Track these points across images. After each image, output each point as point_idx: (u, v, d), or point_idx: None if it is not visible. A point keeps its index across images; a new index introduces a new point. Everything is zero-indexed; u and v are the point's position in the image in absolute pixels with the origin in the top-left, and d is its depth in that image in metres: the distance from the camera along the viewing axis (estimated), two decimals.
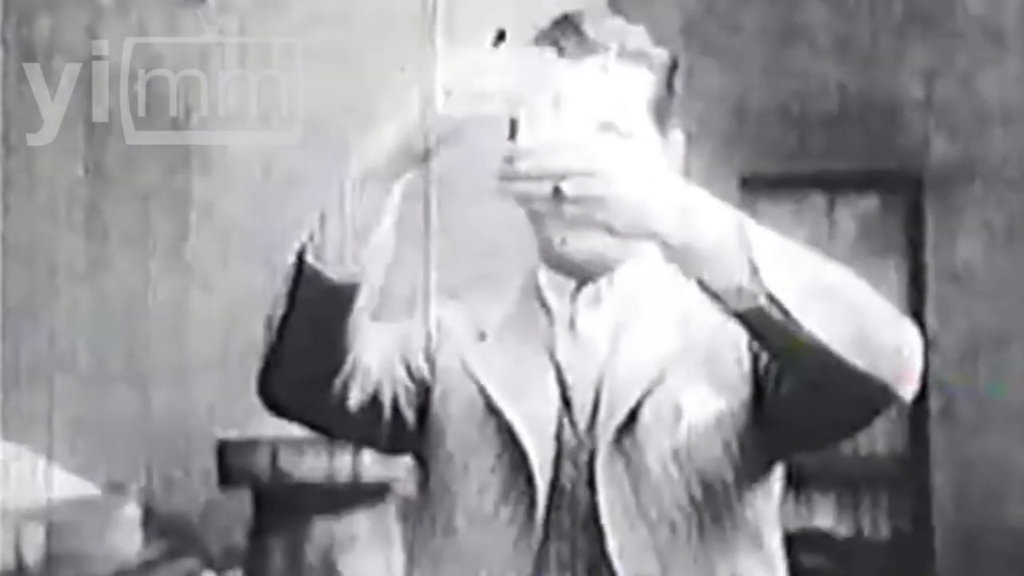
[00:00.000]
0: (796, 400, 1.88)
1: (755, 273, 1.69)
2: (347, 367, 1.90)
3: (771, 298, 1.69)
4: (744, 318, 1.72)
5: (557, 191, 1.68)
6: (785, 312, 1.69)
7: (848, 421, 1.89)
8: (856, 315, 1.74)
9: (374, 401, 1.97)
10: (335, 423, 2.00)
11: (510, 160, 1.72)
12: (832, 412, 1.86)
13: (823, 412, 1.87)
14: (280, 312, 1.84)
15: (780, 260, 1.71)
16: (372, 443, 2.07)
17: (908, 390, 1.78)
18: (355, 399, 1.95)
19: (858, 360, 1.72)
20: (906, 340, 1.77)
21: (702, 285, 1.72)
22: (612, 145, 1.73)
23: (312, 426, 2.03)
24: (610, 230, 1.72)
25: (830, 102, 7.41)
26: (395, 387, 2.00)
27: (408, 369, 2.02)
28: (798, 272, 1.72)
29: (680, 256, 1.71)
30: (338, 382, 1.91)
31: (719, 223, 1.71)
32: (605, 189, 1.68)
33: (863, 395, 1.77)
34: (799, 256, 1.74)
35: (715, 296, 1.72)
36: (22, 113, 6.35)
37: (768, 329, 1.72)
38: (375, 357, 1.96)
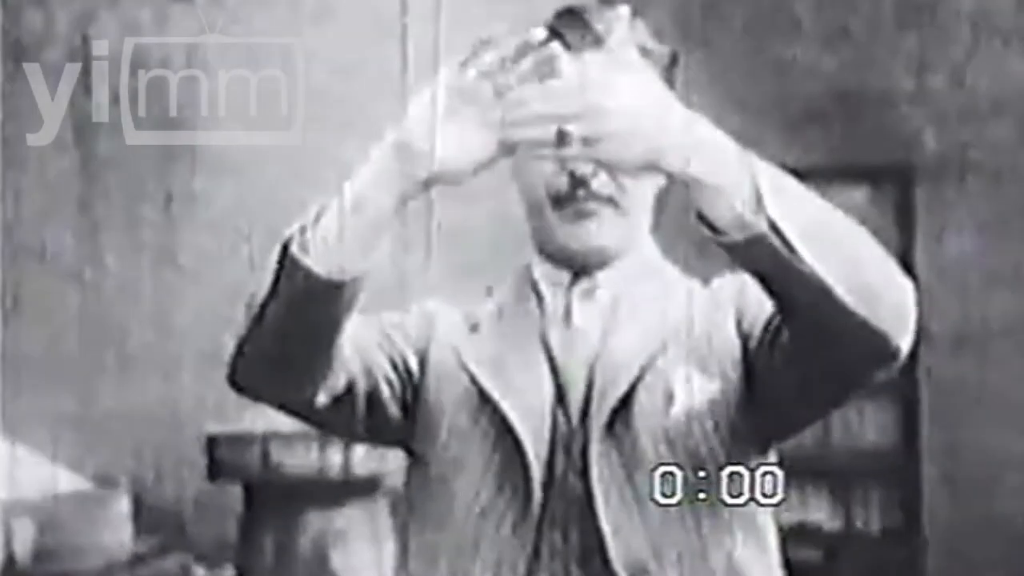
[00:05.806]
0: (789, 370, 1.85)
1: (759, 204, 1.66)
2: (322, 369, 1.88)
3: (774, 228, 1.66)
4: (745, 251, 1.69)
5: (561, 134, 1.67)
6: (787, 243, 1.66)
7: (842, 382, 1.86)
8: (857, 258, 1.71)
9: (346, 396, 1.94)
10: (306, 415, 1.97)
11: (512, 107, 1.71)
12: (827, 374, 1.83)
13: (817, 377, 1.84)
14: (260, 298, 1.82)
15: (785, 194, 1.69)
16: (348, 434, 2.04)
17: (904, 342, 1.74)
18: (322, 399, 1.92)
19: (858, 305, 1.69)
20: (904, 290, 1.74)
21: (701, 217, 1.70)
22: (614, 81, 1.69)
23: (284, 412, 1.99)
24: (616, 166, 1.71)
25: (820, 94, 7.40)
26: (374, 382, 1.97)
27: (392, 362, 2.00)
28: (802, 207, 1.70)
29: (684, 188, 1.69)
30: (307, 382, 1.89)
31: (725, 155, 1.69)
32: (609, 125, 1.66)
33: (861, 344, 1.73)
34: (803, 193, 1.72)
35: (713, 228, 1.69)
36: (22, 113, 6.33)
37: (768, 263, 1.69)
38: (351, 351, 1.93)
